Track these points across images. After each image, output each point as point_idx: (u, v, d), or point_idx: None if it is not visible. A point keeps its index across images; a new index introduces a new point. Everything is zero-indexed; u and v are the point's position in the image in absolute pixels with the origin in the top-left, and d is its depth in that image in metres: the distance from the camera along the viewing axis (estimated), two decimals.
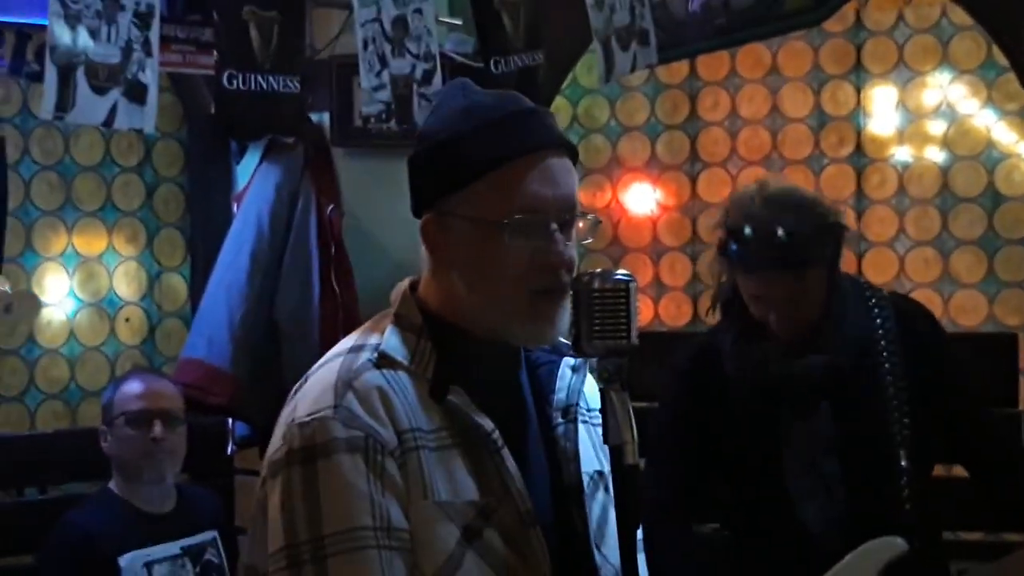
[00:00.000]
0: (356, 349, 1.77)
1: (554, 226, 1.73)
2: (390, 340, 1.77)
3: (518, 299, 1.73)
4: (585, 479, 1.83)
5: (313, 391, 1.74)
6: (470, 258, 1.75)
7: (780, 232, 2.65)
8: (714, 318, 2.94)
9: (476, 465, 1.73)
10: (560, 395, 1.84)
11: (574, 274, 1.74)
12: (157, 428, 3.45)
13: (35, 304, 3.16)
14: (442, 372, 1.74)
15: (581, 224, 1.78)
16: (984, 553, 3.69)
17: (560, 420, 1.84)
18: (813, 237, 2.68)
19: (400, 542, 1.67)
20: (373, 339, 1.78)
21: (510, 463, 1.73)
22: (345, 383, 1.71)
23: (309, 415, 1.71)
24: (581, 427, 1.85)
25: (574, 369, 1.85)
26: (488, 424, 1.73)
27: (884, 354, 2.81)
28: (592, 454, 1.86)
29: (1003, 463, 2.90)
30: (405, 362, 1.75)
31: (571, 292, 1.70)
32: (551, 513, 1.78)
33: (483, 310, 1.76)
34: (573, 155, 1.80)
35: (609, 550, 1.82)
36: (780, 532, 2.82)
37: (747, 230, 2.68)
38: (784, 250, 2.66)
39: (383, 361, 1.74)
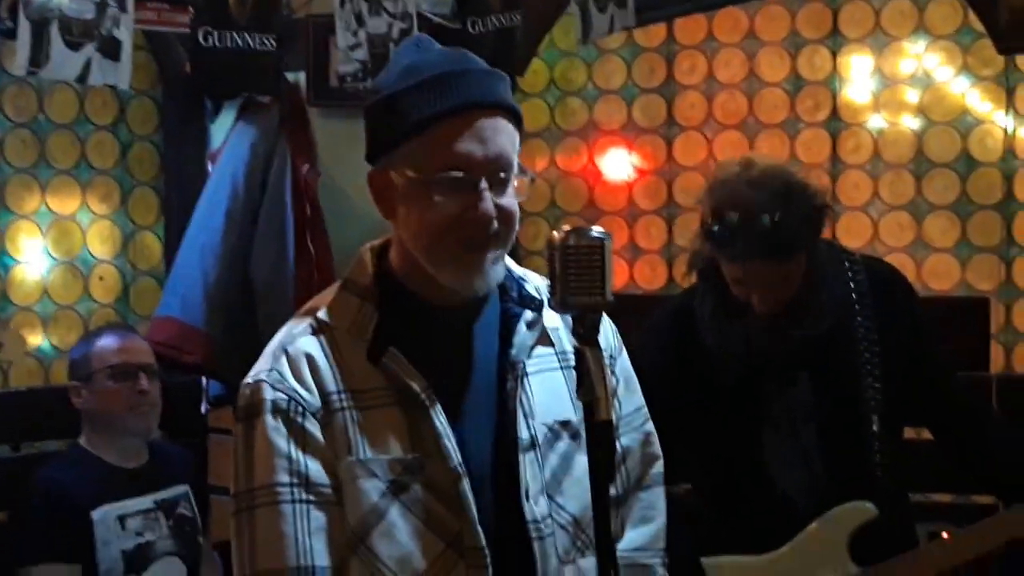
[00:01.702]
0: (303, 314, 1.89)
1: (484, 184, 1.78)
2: (331, 306, 1.87)
3: (446, 250, 1.80)
4: (542, 430, 1.88)
5: (264, 353, 1.88)
6: (408, 209, 1.82)
7: (766, 221, 2.62)
8: (689, 281, 2.94)
9: (411, 422, 1.82)
10: (512, 351, 1.88)
11: (515, 226, 1.83)
12: (143, 380, 3.48)
13: (22, 344, 3.21)
14: (381, 335, 1.83)
15: (518, 183, 1.83)
16: (953, 515, 3.72)
17: (509, 376, 1.88)
18: (798, 225, 2.65)
19: (319, 496, 1.80)
20: (321, 304, 1.88)
21: (439, 420, 1.81)
22: (281, 348, 1.85)
23: (251, 377, 1.86)
24: (537, 378, 1.90)
25: (529, 324, 1.90)
26: (420, 384, 1.81)
27: (859, 319, 2.82)
28: (555, 404, 1.90)
29: (972, 427, 2.92)
30: (343, 326, 1.85)
31: (546, 249, 1.71)
32: (489, 466, 1.84)
33: (420, 258, 1.83)
34: (512, 116, 1.83)
35: (566, 500, 1.88)
36: (758, 498, 2.84)
37: (732, 217, 2.64)
38: (770, 239, 2.63)
39: (321, 327, 1.85)
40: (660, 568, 2.05)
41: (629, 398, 2.05)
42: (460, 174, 1.77)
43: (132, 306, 4.53)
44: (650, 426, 2.09)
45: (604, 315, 1.83)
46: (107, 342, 3.54)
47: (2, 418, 4.01)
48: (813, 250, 2.75)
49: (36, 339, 4.30)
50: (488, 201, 1.78)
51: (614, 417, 1.95)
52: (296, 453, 1.80)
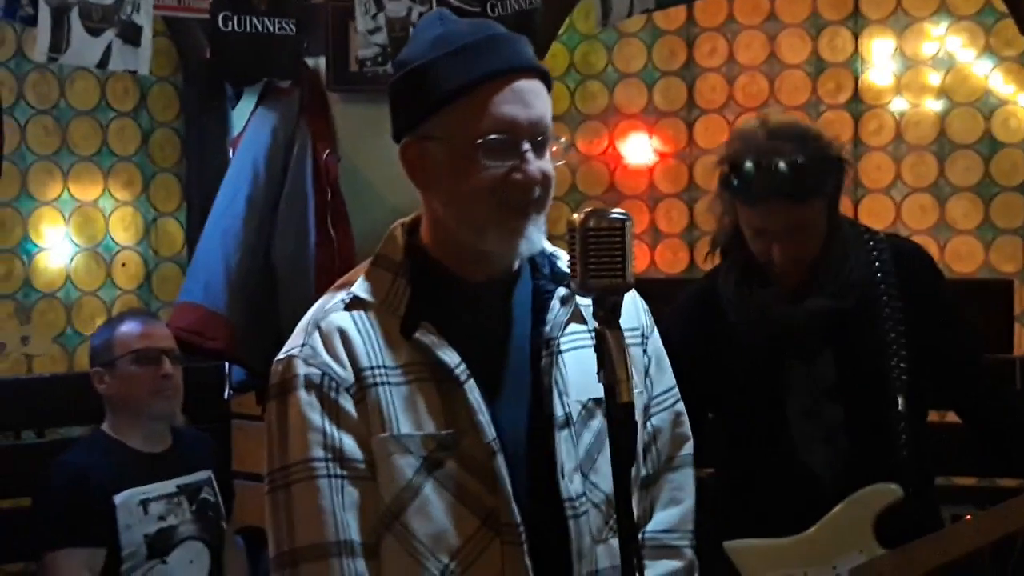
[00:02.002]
0: (335, 289, 1.87)
1: (527, 145, 1.78)
2: (363, 282, 1.85)
3: (490, 212, 1.78)
4: (576, 408, 1.86)
5: (295, 331, 1.86)
6: (447, 177, 1.80)
7: (781, 163, 2.64)
8: (713, 262, 2.93)
9: (445, 398, 1.80)
10: (546, 328, 1.87)
11: (552, 190, 1.81)
12: (166, 364, 3.49)
13: (47, 338, 3.22)
14: (414, 310, 1.82)
15: (554, 148, 1.83)
16: (977, 498, 3.71)
17: (544, 352, 1.86)
18: (814, 167, 2.67)
19: (353, 471, 1.79)
20: (353, 280, 1.87)
21: (473, 396, 1.79)
22: (314, 323, 1.83)
23: (284, 353, 1.84)
24: (571, 355, 1.88)
25: (563, 301, 1.88)
26: (453, 359, 1.79)
27: (884, 298, 2.80)
28: (589, 381, 1.84)
29: (997, 409, 2.90)
30: (376, 302, 1.83)
31: (567, 230, 1.71)
32: (524, 443, 1.82)
33: (459, 229, 1.82)
34: (545, 79, 1.83)
35: (600, 478, 1.85)
36: (781, 476, 2.83)
37: (748, 162, 2.67)
38: (785, 179, 2.65)
39: (353, 302, 1.83)
40: (687, 550, 2.03)
41: (660, 377, 2.04)
42: (504, 136, 1.76)
43: (154, 292, 4.55)
44: (681, 406, 2.08)
45: (635, 294, 1.83)
46: (129, 327, 3.55)
47: (26, 404, 4.03)
48: (833, 214, 2.75)
49: (59, 326, 4.31)
50: (533, 163, 1.78)
51: (646, 397, 1.98)
52: (330, 428, 1.78)
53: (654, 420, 2.01)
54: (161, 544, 3.43)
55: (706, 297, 2.89)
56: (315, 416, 1.78)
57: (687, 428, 2.09)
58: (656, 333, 2.05)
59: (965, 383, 2.88)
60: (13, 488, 3.86)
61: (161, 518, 3.44)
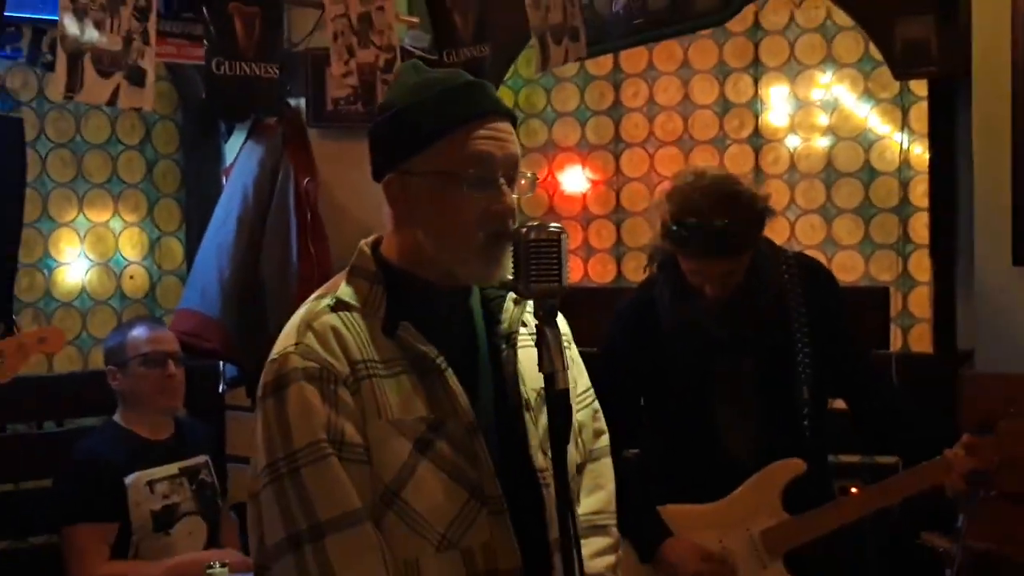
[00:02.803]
0: (319, 297, 1.79)
1: (502, 180, 1.73)
2: (345, 288, 1.78)
3: (472, 243, 1.73)
4: (532, 395, 1.82)
5: (283, 334, 1.77)
6: (430, 209, 1.74)
7: (718, 224, 2.63)
8: (649, 271, 2.92)
9: (427, 387, 1.74)
10: (503, 325, 1.84)
11: (516, 223, 1.74)
12: (171, 366, 3.47)
13: (62, 338, 3.20)
14: (392, 311, 1.75)
15: (523, 181, 1.78)
16: (860, 472, 3.73)
17: (504, 346, 1.83)
18: (744, 228, 2.67)
19: (354, 455, 1.69)
20: (333, 289, 1.79)
21: (454, 383, 1.74)
22: (306, 324, 1.74)
23: (277, 353, 1.74)
24: (523, 351, 1.85)
25: (515, 302, 1.85)
26: (433, 351, 1.74)
27: (792, 306, 2.83)
28: (537, 374, 1.81)
29: (880, 397, 2.93)
30: (359, 305, 1.76)
31: (511, 242, 1.69)
32: (495, 424, 1.78)
33: (439, 255, 1.76)
34: (513, 120, 1.79)
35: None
36: (707, 455, 2.84)
37: (691, 221, 2.64)
38: (721, 241, 2.65)
39: (339, 305, 1.76)
40: (613, 528, 1.99)
41: (580, 379, 1.99)
42: (483, 171, 1.71)
43: (158, 301, 4.49)
44: (597, 404, 2.03)
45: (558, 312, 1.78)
46: (139, 333, 3.53)
47: (48, 398, 3.98)
48: (757, 246, 2.76)
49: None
50: (509, 195, 1.73)
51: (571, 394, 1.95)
52: (332, 414, 1.68)
53: (578, 416, 1.94)
54: (165, 519, 3.41)
55: (643, 308, 2.89)
56: (317, 403, 1.68)
57: (603, 422, 2.05)
58: (573, 344, 1.99)
59: (855, 376, 2.91)
60: (36, 471, 3.82)
61: (165, 496, 3.42)
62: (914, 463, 2.78)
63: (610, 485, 2.01)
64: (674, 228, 2.67)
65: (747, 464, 2.80)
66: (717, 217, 2.63)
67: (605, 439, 2.04)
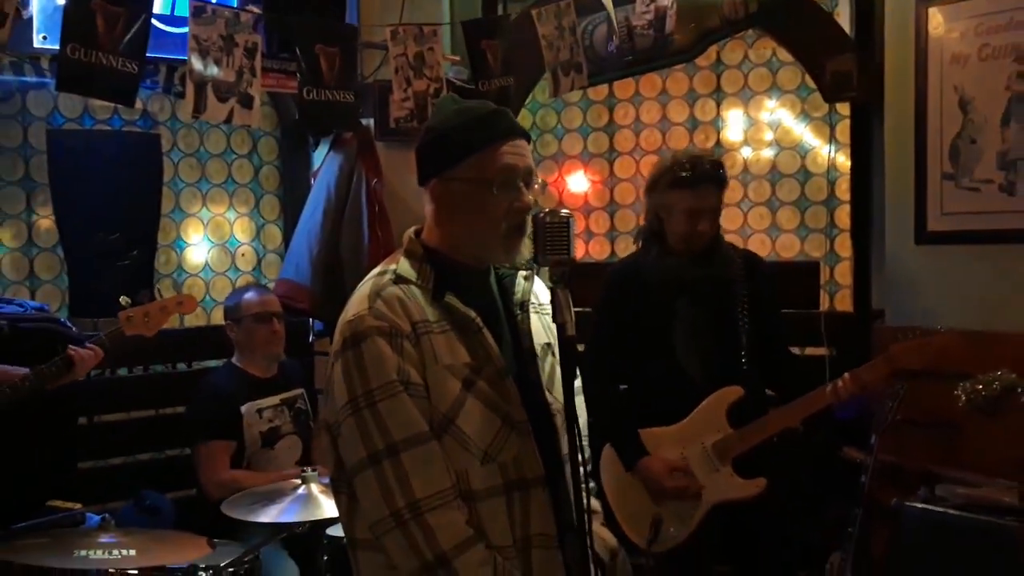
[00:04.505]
0: (381, 273, 1.78)
1: (521, 184, 1.74)
2: (402, 266, 1.78)
3: (498, 234, 1.74)
4: (538, 348, 1.84)
5: (355, 301, 1.75)
6: (465, 207, 1.75)
7: (709, 160, 2.83)
8: (636, 247, 3.01)
9: (468, 341, 1.75)
10: (517, 295, 1.86)
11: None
12: (275, 323, 3.49)
13: (194, 302, 3.21)
14: (439, 284, 1.75)
15: (536, 186, 1.79)
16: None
17: (518, 311, 1.85)
18: (723, 166, 2.85)
19: (417, 392, 1.68)
20: (392, 266, 1.79)
21: (488, 338, 1.76)
22: (375, 294, 1.73)
23: (354, 315, 1.72)
24: (534, 315, 1.86)
25: (525, 278, 1.87)
26: (472, 314, 1.75)
27: (738, 278, 2.89)
28: (543, 332, 1.86)
29: (779, 355, 2.98)
30: (413, 279, 1.76)
31: (531, 224, 1.71)
32: (516, 370, 1.79)
33: (471, 242, 1.77)
34: (528, 139, 1.80)
35: (557, 393, 1.83)
36: (670, 383, 2.85)
37: (687, 164, 2.79)
38: (716, 171, 2.81)
39: (399, 279, 1.76)
40: (587, 450, 1.97)
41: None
42: (508, 177, 1.73)
43: (263, 272, 4.51)
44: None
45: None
46: (250, 296, 3.54)
47: (181, 346, 4.01)
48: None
49: (201, 295, 4.29)
50: (528, 195, 1.74)
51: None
52: (400, 362, 1.67)
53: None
54: (271, 438, 3.45)
55: (628, 269, 2.96)
56: (389, 352, 1.67)
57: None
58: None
59: (771, 341, 2.94)
60: (173, 400, 3.85)
61: (271, 421, 3.45)
62: (783, 403, 2.82)
63: (583, 417, 1.98)
64: (677, 170, 2.78)
65: (700, 386, 2.82)
66: (704, 158, 2.81)
67: (578, 383, 2.02)
